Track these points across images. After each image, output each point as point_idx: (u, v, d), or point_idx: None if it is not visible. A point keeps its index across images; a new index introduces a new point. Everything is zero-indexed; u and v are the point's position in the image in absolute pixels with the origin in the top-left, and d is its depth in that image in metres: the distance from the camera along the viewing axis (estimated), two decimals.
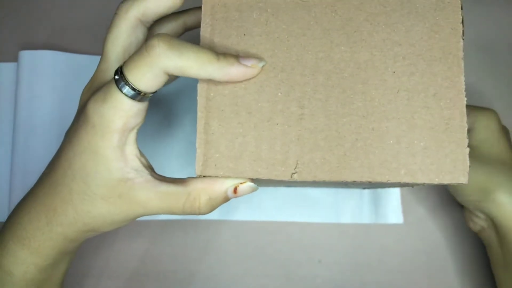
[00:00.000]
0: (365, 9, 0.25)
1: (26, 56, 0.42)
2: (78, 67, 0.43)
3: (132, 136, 0.25)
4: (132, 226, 0.42)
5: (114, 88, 0.23)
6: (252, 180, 0.25)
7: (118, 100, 0.23)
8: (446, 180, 0.24)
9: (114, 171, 0.25)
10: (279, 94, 0.24)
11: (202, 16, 0.25)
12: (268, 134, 0.24)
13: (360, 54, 0.25)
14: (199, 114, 0.25)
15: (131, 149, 0.25)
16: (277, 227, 0.43)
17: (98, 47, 0.44)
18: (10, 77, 0.43)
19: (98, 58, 0.43)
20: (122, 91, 0.23)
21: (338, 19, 0.25)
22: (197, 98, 0.25)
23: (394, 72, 0.24)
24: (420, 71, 0.24)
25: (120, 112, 0.24)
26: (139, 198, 0.25)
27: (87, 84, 0.28)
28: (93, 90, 0.25)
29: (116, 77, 0.23)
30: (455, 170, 0.24)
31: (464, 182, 0.24)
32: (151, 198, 0.25)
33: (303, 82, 0.25)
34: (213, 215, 0.42)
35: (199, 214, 0.26)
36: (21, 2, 0.45)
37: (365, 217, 0.43)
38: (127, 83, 0.23)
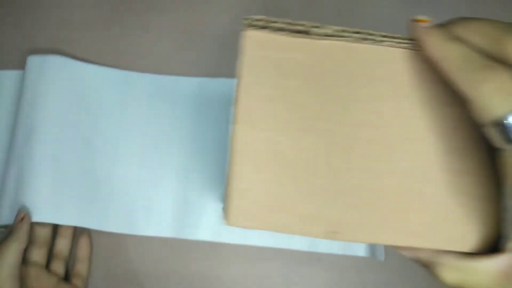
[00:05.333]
0: None
1: (34, 60, 0.41)
2: (85, 76, 0.43)
3: None
4: None
5: None
6: None
7: None
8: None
9: None
10: (321, 145, 0.22)
11: None
12: (306, 187, 0.22)
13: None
14: (232, 159, 0.22)
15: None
16: None
17: (103, 59, 0.43)
18: (14, 85, 0.43)
19: (103, 69, 0.42)
20: None
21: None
22: (231, 141, 0.22)
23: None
24: None
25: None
26: None
27: None
28: None
29: None
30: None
31: None
32: None
33: (346, 134, 0.22)
34: None
35: None
36: (26, 13, 0.44)
37: None
38: None
